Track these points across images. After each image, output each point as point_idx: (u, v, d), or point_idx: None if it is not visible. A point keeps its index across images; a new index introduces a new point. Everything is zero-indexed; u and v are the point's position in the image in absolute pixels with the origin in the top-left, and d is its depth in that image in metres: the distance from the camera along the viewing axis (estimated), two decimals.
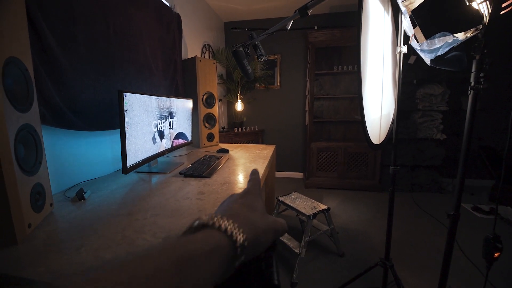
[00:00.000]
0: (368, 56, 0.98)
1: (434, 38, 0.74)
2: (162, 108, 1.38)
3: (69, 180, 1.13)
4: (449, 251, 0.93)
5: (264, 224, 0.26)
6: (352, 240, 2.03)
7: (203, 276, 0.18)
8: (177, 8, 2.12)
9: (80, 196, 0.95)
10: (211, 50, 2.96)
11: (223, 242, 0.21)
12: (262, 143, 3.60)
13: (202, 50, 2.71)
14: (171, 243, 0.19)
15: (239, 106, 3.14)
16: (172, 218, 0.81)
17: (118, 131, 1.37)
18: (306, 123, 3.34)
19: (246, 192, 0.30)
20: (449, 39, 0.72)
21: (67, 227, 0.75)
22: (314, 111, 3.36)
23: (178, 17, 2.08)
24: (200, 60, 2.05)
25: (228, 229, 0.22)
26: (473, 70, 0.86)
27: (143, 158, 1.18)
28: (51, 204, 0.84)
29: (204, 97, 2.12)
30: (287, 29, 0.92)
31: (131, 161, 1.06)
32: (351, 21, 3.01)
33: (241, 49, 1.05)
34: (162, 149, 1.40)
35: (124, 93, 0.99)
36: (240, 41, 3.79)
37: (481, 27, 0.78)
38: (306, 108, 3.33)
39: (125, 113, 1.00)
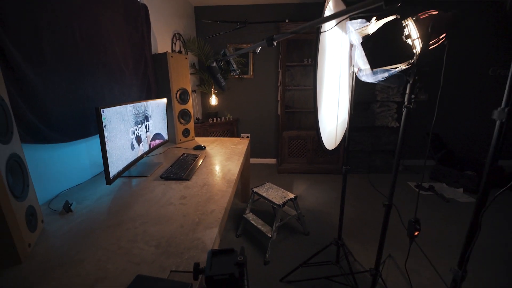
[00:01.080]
0: (325, 71, 1.13)
1: (376, 73, 0.91)
2: (137, 114, 1.41)
3: (50, 190, 1.16)
4: (383, 233, 1.20)
5: None
6: (317, 220, 2.34)
7: None
8: None
9: (67, 208, 1.01)
10: (181, 39, 2.87)
11: None
12: (237, 132, 3.71)
13: (172, 40, 2.63)
14: None
15: (213, 100, 3.17)
16: (160, 225, 0.93)
17: (93, 137, 1.40)
18: (279, 113, 3.51)
19: None
20: (387, 74, 0.89)
21: (62, 242, 0.83)
22: (286, 101, 3.52)
23: (145, 9, 1.99)
24: (172, 56, 2.03)
25: None
26: (406, 92, 1.07)
27: (123, 166, 1.24)
28: (42, 221, 0.90)
29: (178, 93, 2.13)
30: (256, 52, 1.01)
31: (113, 172, 1.13)
32: (321, 14, 3.09)
33: (214, 64, 1.12)
34: (140, 153, 1.46)
35: (101, 109, 1.02)
36: (211, 29, 3.67)
37: (412, 60, 0.96)
38: (279, 98, 3.48)
39: (104, 128, 1.05)
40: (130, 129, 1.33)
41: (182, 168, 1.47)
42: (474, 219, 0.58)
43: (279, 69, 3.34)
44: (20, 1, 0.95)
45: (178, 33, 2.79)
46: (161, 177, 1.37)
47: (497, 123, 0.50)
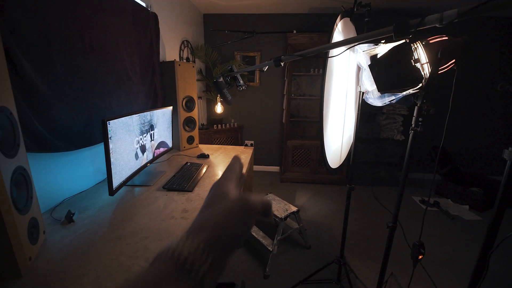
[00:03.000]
0: (332, 89, 1.12)
1: (384, 96, 0.90)
2: (143, 123, 1.42)
3: (54, 198, 1.17)
4: (386, 255, 1.17)
5: (222, 211, 0.25)
6: (318, 233, 2.31)
7: None
8: (154, 7, 2.05)
9: (69, 218, 1.01)
10: (189, 46, 2.90)
11: (162, 264, 0.21)
12: (242, 139, 3.71)
13: (180, 47, 2.66)
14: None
15: (218, 108, 3.18)
16: (161, 241, 0.92)
17: (98, 144, 1.41)
18: (283, 121, 3.50)
19: (213, 186, 0.29)
20: (394, 97, 0.88)
21: (63, 255, 0.83)
22: (291, 109, 3.52)
23: (155, 18, 2.02)
24: (180, 65, 2.05)
25: (171, 251, 0.21)
26: (414, 114, 1.05)
27: (127, 176, 1.24)
28: (44, 232, 0.90)
29: (184, 101, 2.15)
30: (263, 70, 1.01)
31: (116, 182, 1.13)
32: (329, 25, 3.11)
33: (221, 79, 1.13)
34: (144, 162, 1.47)
35: (107, 121, 1.03)
36: (219, 36, 3.68)
37: (420, 84, 0.95)
38: (284, 107, 3.48)
39: (109, 140, 1.05)
40: (135, 139, 1.34)
41: (185, 179, 1.46)
42: (480, 259, 0.56)
43: (285, 78, 3.35)
44: (31, 10, 0.97)
45: (187, 40, 2.83)
46: (163, 187, 1.37)
47: (508, 163, 0.49)
